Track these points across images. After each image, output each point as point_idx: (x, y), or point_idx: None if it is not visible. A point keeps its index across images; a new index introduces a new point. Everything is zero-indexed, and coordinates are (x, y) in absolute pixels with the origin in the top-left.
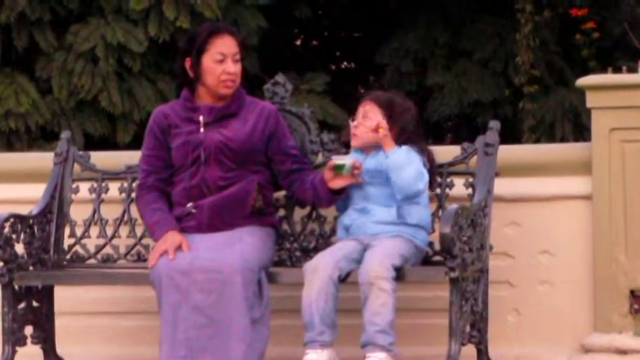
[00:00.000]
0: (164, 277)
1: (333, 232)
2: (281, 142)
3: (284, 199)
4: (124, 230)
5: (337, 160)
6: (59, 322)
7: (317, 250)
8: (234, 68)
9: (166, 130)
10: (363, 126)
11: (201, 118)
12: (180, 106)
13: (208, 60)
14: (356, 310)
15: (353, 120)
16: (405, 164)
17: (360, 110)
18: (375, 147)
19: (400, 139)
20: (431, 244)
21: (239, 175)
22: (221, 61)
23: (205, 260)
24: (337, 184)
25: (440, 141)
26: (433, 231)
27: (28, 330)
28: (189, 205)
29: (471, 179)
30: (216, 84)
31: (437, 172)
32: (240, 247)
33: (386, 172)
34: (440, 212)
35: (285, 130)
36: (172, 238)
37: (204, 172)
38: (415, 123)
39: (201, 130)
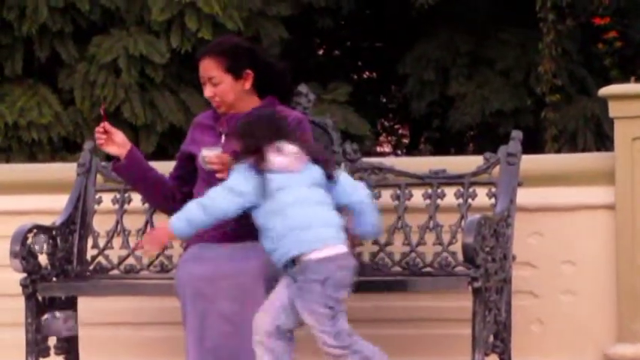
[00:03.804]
0: (188, 286)
1: None
2: None
3: None
4: None
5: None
6: (82, 333)
7: None
8: (208, 92)
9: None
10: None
11: (221, 129)
12: (210, 113)
13: None
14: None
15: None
16: None
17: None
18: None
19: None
20: (454, 255)
21: None
22: (204, 84)
23: (229, 267)
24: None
25: (462, 151)
26: (456, 241)
27: (52, 341)
28: None
29: (493, 189)
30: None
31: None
32: (264, 254)
33: None
34: (462, 222)
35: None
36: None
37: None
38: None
39: (222, 140)
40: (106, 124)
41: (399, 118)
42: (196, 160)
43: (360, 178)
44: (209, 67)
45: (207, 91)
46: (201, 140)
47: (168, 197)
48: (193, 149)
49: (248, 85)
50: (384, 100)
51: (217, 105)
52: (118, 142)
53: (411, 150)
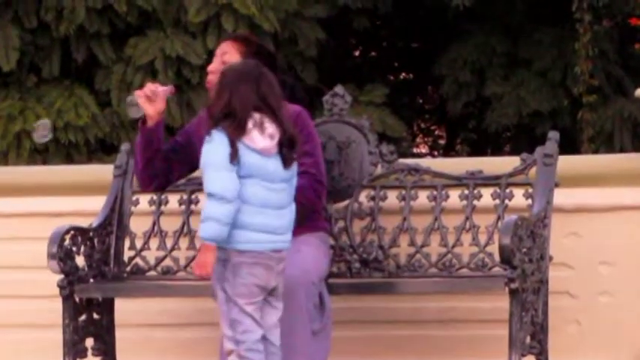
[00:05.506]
0: None
1: (394, 242)
2: None
3: (343, 209)
4: (183, 242)
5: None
6: (119, 334)
7: (377, 261)
8: (214, 64)
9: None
10: None
11: None
12: None
13: None
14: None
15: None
16: None
17: None
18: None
19: None
20: (491, 256)
21: None
22: (213, 60)
23: None
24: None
25: (498, 151)
26: (492, 242)
27: (89, 342)
28: None
29: (530, 190)
30: None
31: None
32: (300, 258)
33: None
34: (499, 223)
35: (300, 134)
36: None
37: None
38: None
39: None
40: (165, 89)
41: (436, 119)
42: (185, 149)
43: (397, 180)
44: (228, 48)
45: (213, 64)
46: (195, 131)
47: (154, 175)
48: (181, 137)
49: None
50: (421, 101)
51: (210, 84)
52: (156, 108)
53: (448, 151)
